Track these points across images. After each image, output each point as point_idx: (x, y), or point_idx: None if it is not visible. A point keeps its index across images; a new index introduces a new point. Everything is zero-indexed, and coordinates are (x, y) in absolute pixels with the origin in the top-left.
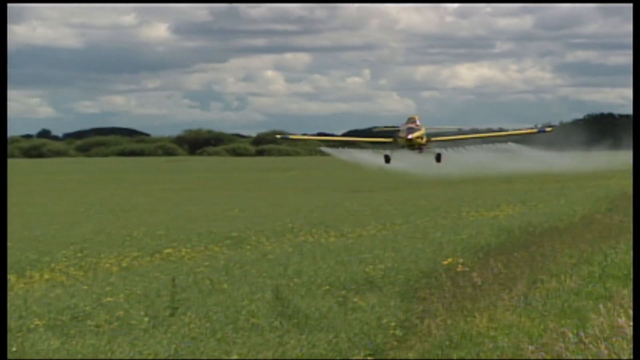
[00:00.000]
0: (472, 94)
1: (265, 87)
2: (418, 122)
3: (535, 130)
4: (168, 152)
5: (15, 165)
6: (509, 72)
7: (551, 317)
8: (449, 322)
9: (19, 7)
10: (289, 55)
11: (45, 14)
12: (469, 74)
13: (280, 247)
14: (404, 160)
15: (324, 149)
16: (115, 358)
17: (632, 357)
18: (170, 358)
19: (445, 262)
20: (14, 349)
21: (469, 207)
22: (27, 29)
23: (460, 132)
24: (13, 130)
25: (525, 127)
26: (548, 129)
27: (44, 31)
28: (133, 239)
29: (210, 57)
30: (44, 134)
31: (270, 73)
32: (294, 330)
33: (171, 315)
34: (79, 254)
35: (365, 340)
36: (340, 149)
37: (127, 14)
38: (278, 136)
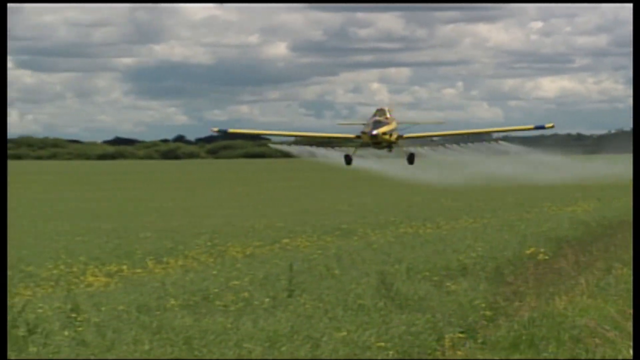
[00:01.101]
0: (554, 104)
1: (371, 98)
2: (389, 115)
3: (531, 127)
4: (286, 155)
5: (154, 166)
6: (586, 84)
7: (622, 300)
8: (532, 304)
9: (160, 28)
10: (392, 70)
11: (181, 35)
12: (550, 86)
13: (383, 237)
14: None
15: (274, 145)
16: (241, 333)
17: (632, 357)
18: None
19: (528, 251)
20: (154, 325)
21: (550, 202)
22: (166, 48)
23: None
24: (153, 135)
25: (599, 132)
26: (548, 125)
27: (180, 50)
28: (255, 230)
29: (323, 72)
30: (179, 138)
31: (375, 85)
32: (396, 310)
33: (289, 296)
34: (209, 243)
35: (458, 320)
36: (301, 147)
37: (252, 35)
38: (215, 129)
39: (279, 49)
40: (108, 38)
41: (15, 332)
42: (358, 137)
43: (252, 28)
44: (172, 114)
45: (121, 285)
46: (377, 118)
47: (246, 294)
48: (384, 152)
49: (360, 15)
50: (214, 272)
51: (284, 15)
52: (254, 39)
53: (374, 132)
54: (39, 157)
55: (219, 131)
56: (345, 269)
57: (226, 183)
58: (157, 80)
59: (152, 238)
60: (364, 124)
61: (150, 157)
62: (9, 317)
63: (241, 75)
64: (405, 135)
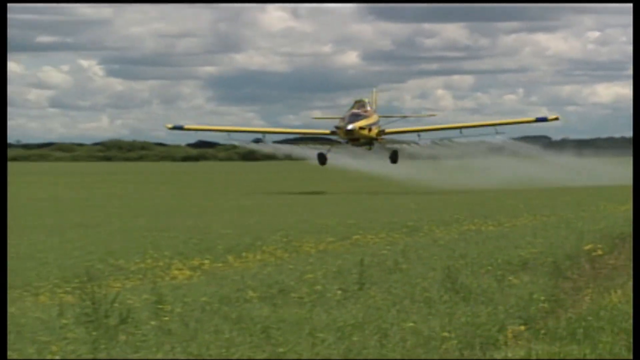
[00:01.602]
0: (609, 109)
1: (436, 103)
2: (368, 108)
3: (533, 119)
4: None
5: (234, 167)
6: None
7: None
8: (589, 297)
9: (240, 39)
10: (456, 77)
11: (260, 45)
12: (606, 92)
13: (448, 234)
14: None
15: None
16: (314, 323)
17: (632, 357)
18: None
19: (586, 248)
20: (234, 315)
21: (605, 202)
22: (245, 57)
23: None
24: (233, 138)
25: None
26: (551, 117)
27: (259, 59)
28: (328, 227)
29: (391, 79)
30: (257, 141)
31: (440, 91)
32: (460, 302)
33: (359, 289)
34: (285, 239)
35: (519, 311)
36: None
37: (325, 45)
38: (169, 126)
39: (350, 58)
40: (192, 48)
41: (107, 321)
42: (333, 132)
43: (326, 38)
44: (250, 119)
45: (203, 278)
46: (355, 111)
47: (319, 287)
48: (363, 149)
49: (426, 25)
50: (290, 266)
51: (355, 26)
52: (327, 48)
53: (350, 126)
54: (127, 159)
55: (173, 128)
56: (412, 264)
57: (299, 182)
58: (236, 88)
59: (232, 234)
60: (341, 118)
61: (230, 159)
62: (102, 308)
63: (314, 83)
64: (388, 130)
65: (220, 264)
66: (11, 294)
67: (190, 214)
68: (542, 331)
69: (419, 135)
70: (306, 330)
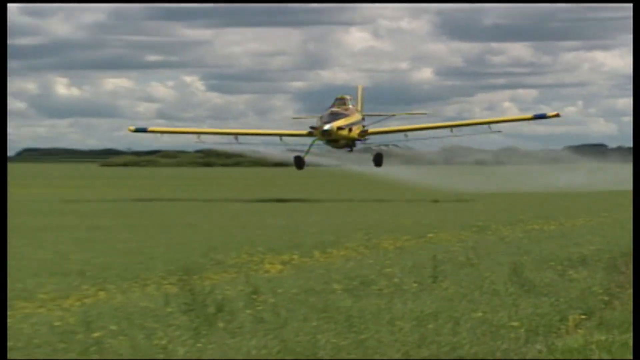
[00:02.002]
0: None
1: (502, 114)
2: (350, 106)
3: (530, 116)
4: (429, 162)
5: (321, 172)
6: None
7: None
8: None
9: (326, 57)
10: (521, 91)
11: (344, 62)
12: None
13: (513, 233)
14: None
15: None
16: (393, 313)
17: (632, 357)
18: None
19: None
20: (321, 305)
21: None
22: (331, 73)
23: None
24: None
25: None
26: (550, 114)
27: (342, 75)
28: (404, 226)
29: (462, 93)
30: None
31: (507, 104)
32: (525, 294)
33: (433, 282)
34: (365, 237)
35: (579, 303)
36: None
37: (402, 62)
38: (131, 128)
39: (425, 74)
40: (283, 65)
41: (205, 310)
42: (310, 133)
43: (403, 56)
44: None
45: (293, 272)
46: (334, 109)
47: (397, 280)
48: (344, 151)
49: (494, 44)
50: (370, 261)
51: (430, 45)
52: (404, 65)
53: (327, 126)
54: (225, 165)
55: (136, 130)
56: (481, 259)
57: (380, 185)
58: (322, 100)
59: (318, 232)
60: (319, 117)
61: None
62: (201, 298)
63: (393, 96)
64: (371, 129)
65: (308, 259)
66: (121, 285)
67: (280, 213)
68: (600, 321)
69: (405, 135)
70: (385, 319)
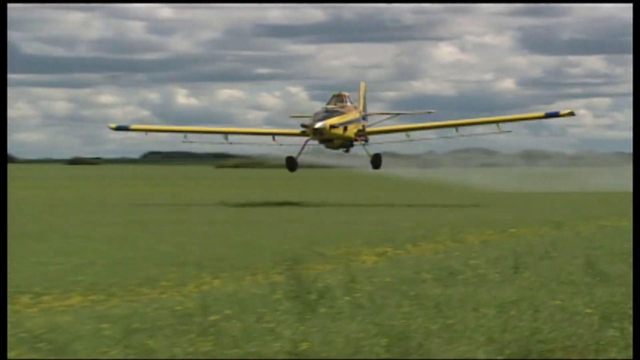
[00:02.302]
0: None
1: (578, 121)
2: (348, 103)
3: (542, 114)
4: (510, 164)
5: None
6: None
7: None
8: None
9: (417, 69)
10: (595, 99)
11: (433, 74)
12: None
13: (588, 228)
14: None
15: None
16: (477, 300)
17: (632, 357)
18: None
19: None
20: (412, 293)
21: None
22: (421, 84)
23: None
24: (411, 149)
25: None
26: (564, 112)
27: (432, 85)
28: (488, 222)
29: (541, 101)
30: (429, 152)
31: (582, 111)
32: (599, 284)
33: (514, 273)
34: (452, 231)
35: None
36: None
37: (487, 73)
38: (112, 126)
39: (508, 84)
40: (378, 77)
41: (309, 297)
42: (304, 132)
43: (487, 68)
44: (425, 133)
45: (387, 263)
46: (328, 106)
47: (481, 271)
48: (340, 152)
49: (571, 57)
50: (456, 254)
51: (512, 58)
52: (488, 76)
53: (318, 124)
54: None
55: (117, 128)
56: (559, 252)
57: (454, 187)
58: (413, 109)
59: (410, 227)
60: (314, 115)
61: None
62: (303, 286)
63: (478, 104)
64: (369, 129)
65: (400, 251)
66: (234, 274)
67: (375, 210)
68: None
69: (407, 135)
70: (471, 305)
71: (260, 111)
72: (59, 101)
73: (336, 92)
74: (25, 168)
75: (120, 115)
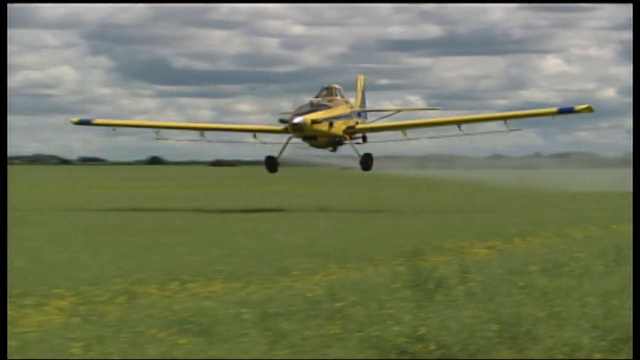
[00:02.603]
0: None
1: None
2: (338, 97)
3: (554, 110)
4: (613, 166)
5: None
6: None
7: None
8: None
9: (525, 79)
10: None
11: (540, 84)
12: None
13: None
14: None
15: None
16: (582, 291)
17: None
18: None
19: None
20: (521, 284)
21: None
22: (529, 93)
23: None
24: (520, 152)
25: None
26: (579, 108)
27: (539, 94)
28: (591, 219)
29: None
30: (536, 155)
31: None
32: None
33: (617, 265)
34: (557, 227)
35: None
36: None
37: (590, 82)
38: (74, 120)
39: (609, 93)
40: (490, 86)
41: (426, 286)
42: (286, 129)
43: (591, 78)
44: (532, 138)
45: (497, 255)
46: (314, 99)
47: (585, 263)
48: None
49: None
50: (562, 247)
51: (614, 69)
52: (592, 85)
53: (297, 119)
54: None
55: (78, 122)
56: None
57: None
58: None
59: (518, 223)
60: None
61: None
62: (422, 276)
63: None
64: (360, 125)
65: (509, 245)
66: (358, 265)
67: (484, 207)
68: None
69: (404, 134)
70: (576, 295)
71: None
72: (203, 109)
73: (326, 84)
74: (173, 169)
75: (256, 120)
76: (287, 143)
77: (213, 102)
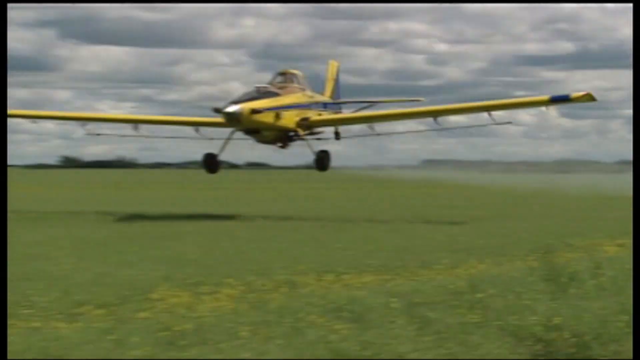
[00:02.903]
0: None
1: None
2: (295, 84)
3: (546, 98)
4: None
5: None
6: None
7: None
8: None
9: None
10: None
11: None
12: None
13: None
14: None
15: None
16: None
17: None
18: None
19: None
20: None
21: None
22: None
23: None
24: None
25: None
26: (576, 95)
27: None
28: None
29: None
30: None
31: None
32: None
33: None
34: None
35: None
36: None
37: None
38: (12, 112)
39: None
40: (620, 97)
41: (559, 279)
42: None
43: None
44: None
45: (627, 252)
46: (261, 85)
47: None
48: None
49: None
50: None
51: None
52: None
53: (232, 108)
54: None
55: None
56: None
57: None
58: None
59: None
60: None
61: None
62: (555, 271)
63: None
64: (316, 117)
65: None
66: (496, 260)
67: (619, 208)
68: None
69: (371, 128)
70: None
71: (518, 127)
72: None
73: (281, 70)
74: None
75: (402, 129)
76: (229, 138)
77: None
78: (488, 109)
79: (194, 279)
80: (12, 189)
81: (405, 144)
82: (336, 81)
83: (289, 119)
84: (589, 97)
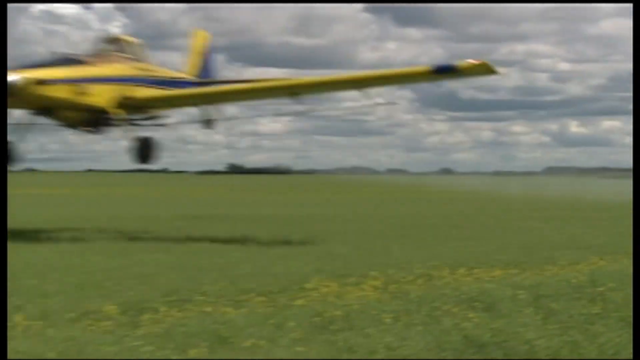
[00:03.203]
0: None
1: None
2: (124, 55)
3: (427, 68)
4: None
5: None
6: None
7: None
8: None
9: None
10: None
11: None
12: None
13: None
14: None
15: None
16: None
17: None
18: None
19: None
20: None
21: None
22: None
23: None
24: None
25: None
26: (465, 63)
27: None
28: None
29: None
30: None
31: None
32: None
33: None
34: None
35: None
36: None
37: None
38: None
39: None
40: None
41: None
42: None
43: None
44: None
45: None
46: (67, 52)
47: None
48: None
49: None
50: None
51: None
52: None
53: (13, 77)
54: None
55: None
56: None
57: None
58: None
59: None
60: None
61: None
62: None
63: None
64: (144, 94)
65: None
66: (615, 257)
67: None
68: None
69: (210, 119)
70: None
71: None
72: (485, 131)
73: (110, 36)
74: (458, 178)
75: (527, 140)
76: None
77: (492, 125)
78: (362, 81)
79: (342, 272)
80: (194, 193)
81: (529, 153)
82: (205, 56)
83: (100, 96)
84: (485, 68)
